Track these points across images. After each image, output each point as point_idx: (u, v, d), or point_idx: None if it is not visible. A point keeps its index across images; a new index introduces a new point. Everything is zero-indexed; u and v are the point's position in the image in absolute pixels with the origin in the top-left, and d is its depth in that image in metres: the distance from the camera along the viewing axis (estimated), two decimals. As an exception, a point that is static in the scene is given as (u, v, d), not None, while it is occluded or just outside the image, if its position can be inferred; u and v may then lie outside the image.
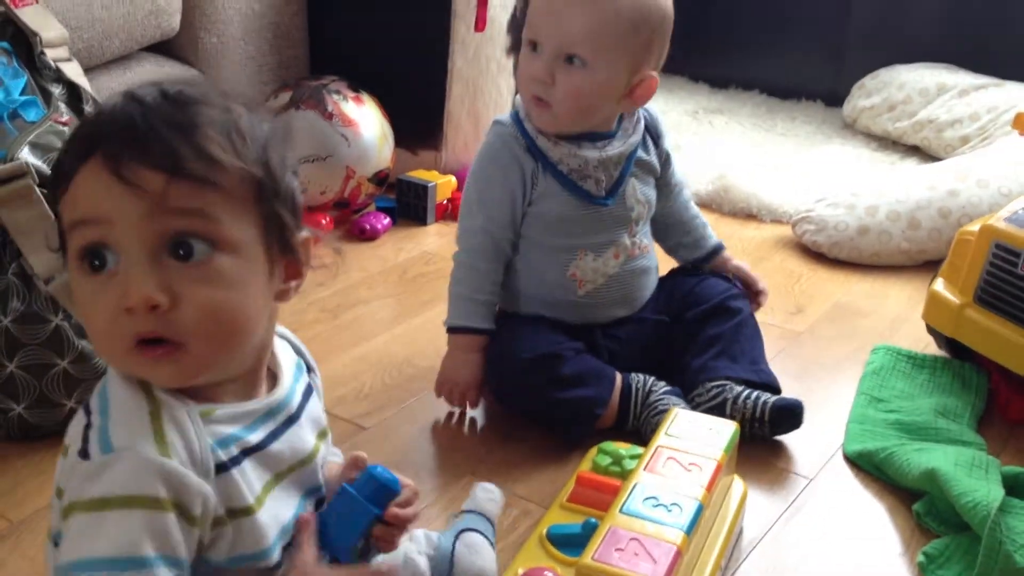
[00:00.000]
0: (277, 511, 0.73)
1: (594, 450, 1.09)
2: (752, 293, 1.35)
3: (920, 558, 1.01)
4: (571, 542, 0.95)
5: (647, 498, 0.89)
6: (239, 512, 0.70)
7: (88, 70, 1.46)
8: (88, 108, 1.32)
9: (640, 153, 1.25)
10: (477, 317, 1.22)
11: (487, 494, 0.99)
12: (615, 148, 1.22)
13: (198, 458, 0.67)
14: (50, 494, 1.03)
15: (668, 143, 1.30)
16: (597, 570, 0.81)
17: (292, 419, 0.76)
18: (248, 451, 0.71)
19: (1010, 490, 1.06)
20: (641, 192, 1.25)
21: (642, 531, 0.85)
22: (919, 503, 1.09)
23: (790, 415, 1.18)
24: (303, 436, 0.77)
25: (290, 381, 0.78)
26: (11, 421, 1.15)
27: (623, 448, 1.08)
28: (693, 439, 0.98)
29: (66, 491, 0.67)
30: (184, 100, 0.67)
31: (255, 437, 0.72)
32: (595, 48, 1.14)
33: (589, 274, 1.23)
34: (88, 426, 0.68)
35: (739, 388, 1.19)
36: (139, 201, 0.64)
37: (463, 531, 0.92)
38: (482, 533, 0.93)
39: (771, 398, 1.18)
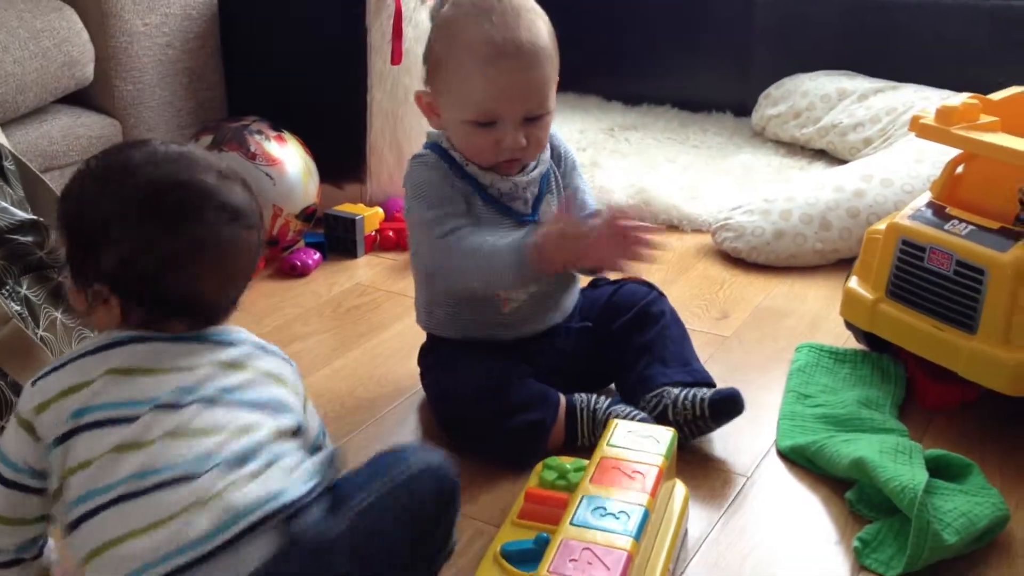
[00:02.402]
0: None
1: (540, 466, 1.12)
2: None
3: (855, 543, 1.06)
4: (525, 558, 0.98)
5: (595, 508, 0.92)
6: None
7: (3, 125, 1.45)
8: (7, 164, 1.31)
9: (551, 169, 1.30)
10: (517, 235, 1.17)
11: None
12: (538, 168, 1.27)
13: None
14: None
15: (569, 152, 1.34)
16: None
17: None
18: None
19: (933, 472, 1.12)
20: (555, 207, 1.29)
21: (593, 540, 0.88)
22: (850, 491, 1.14)
23: (730, 404, 1.21)
24: None
25: None
26: (-49, 485, 1.13)
27: (568, 462, 1.11)
28: (634, 448, 1.02)
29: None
30: None
31: None
32: (550, 96, 1.21)
33: (512, 292, 1.26)
34: None
35: (676, 391, 1.22)
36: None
37: None
38: None
39: (707, 393, 1.22)
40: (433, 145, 1.26)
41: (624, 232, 1.11)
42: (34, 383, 0.87)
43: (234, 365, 0.89)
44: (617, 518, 0.91)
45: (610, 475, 0.99)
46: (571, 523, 0.90)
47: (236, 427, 0.84)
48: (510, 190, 1.24)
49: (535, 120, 1.20)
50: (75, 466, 0.82)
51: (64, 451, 0.83)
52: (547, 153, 1.29)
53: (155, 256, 0.86)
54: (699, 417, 1.21)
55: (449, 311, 1.28)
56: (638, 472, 0.99)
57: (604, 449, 1.03)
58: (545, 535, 0.98)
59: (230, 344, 0.90)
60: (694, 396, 1.21)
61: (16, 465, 0.87)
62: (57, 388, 0.85)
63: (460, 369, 1.23)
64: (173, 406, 0.84)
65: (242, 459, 0.83)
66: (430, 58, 1.23)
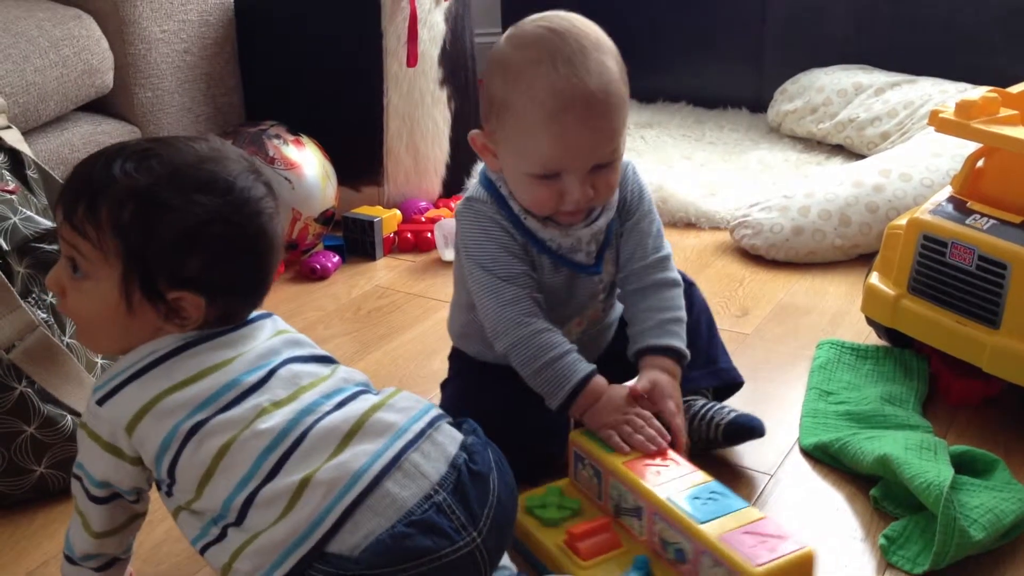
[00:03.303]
0: None
1: (520, 510, 1.04)
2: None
3: (881, 541, 1.06)
4: None
5: (694, 499, 0.95)
6: None
7: (25, 134, 1.46)
8: (31, 173, 1.32)
9: (615, 218, 1.18)
10: (580, 363, 1.09)
11: None
12: (603, 217, 1.16)
13: None
14: (28, 564, 1.02)
15: (637, 192, 1.20)
16: (771, 570, 0.88)
17: None
18: None
19: (958, 468, 1.12)
20: (613, 259, 1.20)
21: (738, 524, 0.92)
22: (875, 488, 1.14)
23: (747, 432, 1.18)
24: None
25: None
26: (-19, 492, 1.14)
27: (541, 494, 1.07)
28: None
29: None
30: None
31: None
32: (620, 140, 1.09)
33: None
34: None
35: (698, 405, 1.20)
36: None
37: None
38: None
39: (724, 420, 1.18)
40: (489, 185, 1.15)
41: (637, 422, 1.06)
42: (101, 402, 0.86)
43: (282, 331, 0.95)
44: (716, 500, 0.95)
45: (651, 472, 1.00)
46: (703, 523, 0.92)
47: (332, 374, 0.92)
48: (572, 245, 1.14)
49: (604, 167, 1.09)
50: (212, 460, 0.84)
51: (189, 457, 0.85)
52: (615, 198, 1.17)
53: (241, 254, 0.89)
54: (711, 441, 1.19)
55: (486, 346, 1.18)
56: (669, 460, 1.02)
57: (612, 457, 1.03)
58: (642, 558, 0.97)
59: (277, 327, 0.96)
60: (711, 419, 1.18)
61: (106, 484, 0.89)
62: (137, 404, 0.85)
63: (484, 388, 1.15)
64: (280, 366, 0.90)
65: (354, 395, 0.90)
66: (487, 98, 1.11)
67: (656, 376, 1.11)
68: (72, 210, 0.86)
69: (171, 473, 0.85)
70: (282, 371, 0.90)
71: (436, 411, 0.91)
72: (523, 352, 1.09)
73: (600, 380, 1.08)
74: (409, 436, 0.87)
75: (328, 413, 0.87)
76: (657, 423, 1.05)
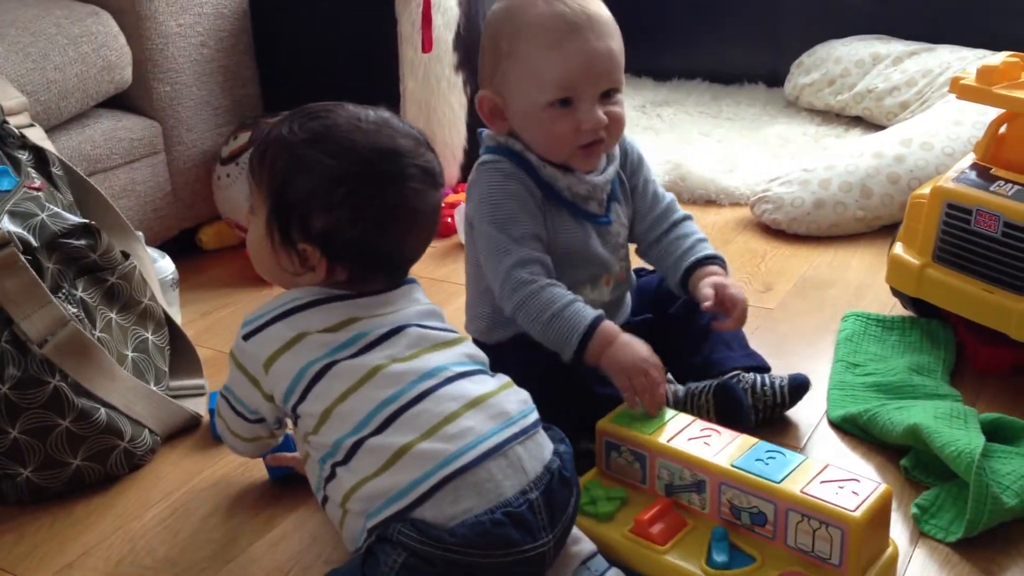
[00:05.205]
0: None
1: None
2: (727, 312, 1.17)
3: (913, 510, 1.06)
4: (734, 556, 0.95)
5: (756, 461, 0.96)
6: None
7: (48, 131, 1.47)
8: (55, 170, 1.34)
9: (618, 170, 1.24)
10: (587, 309, 1.10)
11: None
12: (612, 166, 1.22)
13: None
14: (68, 556, 1.05)
15: (634, 147, 1.27)
16: (866, 512, 0.89)
17: None
18: None
19: (989, 436, 1.11)
20: (623, 213, 1.24)
21: (810, 476, 0.93)
22: (906, 458, 1.14)
23: (804, 388, 1.23)
24: None
25: None
26: (19, 486, 1.16)
27: (583, 490, 1.03)
28: (663, 420, 1.05)
29: None
30: None
31: None
32: (622, 72, 1.16)
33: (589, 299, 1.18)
34: None
35: (750, 377, 1.21)
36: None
37: None
38: None
39: (784, 381, 1.22)
40: (503, 149, 1.17)
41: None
42: (247, 337, 0.95)
43: (420, 302, 1.01)
44: (775, 458, 0.96)
45: (701, 445, 1.00)
46: (779, 482, 0.93)
47: (456, 345, 0.98)
48: (587, 192, 1.18)
49: (610, 96, 1.15)
50: (333, 402, 0.91)
51: (314, 397, 0.92)
52: (616, 149, 1.23)
53: (366, 222, 0.94)
54: (778, 404, 1.21)
55: (516, 327, 1.16)
56: (705, 430, 1.02)
57: (654, 438, 1.02)
58: (720, 529, 0.96)
59: (415, 298, 1.01)
60: (772, 383, 1.22)
61: (250, 408, 1.00)
62: (278, 342, 0.93)
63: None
64: (409, 327, 0.96)
65: (475, 373, 0.96)
66: (491, 53, 1.16)
67: (714, 278, 1.18)
68: (252, 155, 0.99)
69: (295, 410, 0.93)
70: (410, 331, 0.95)
71: (537, 413, 0.96)
72: (531, 307, 1.11)
73: (610, 323, 1.10)
74: (516, 429, 0.91)
75: (449, 380, 0.92)
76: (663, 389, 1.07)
